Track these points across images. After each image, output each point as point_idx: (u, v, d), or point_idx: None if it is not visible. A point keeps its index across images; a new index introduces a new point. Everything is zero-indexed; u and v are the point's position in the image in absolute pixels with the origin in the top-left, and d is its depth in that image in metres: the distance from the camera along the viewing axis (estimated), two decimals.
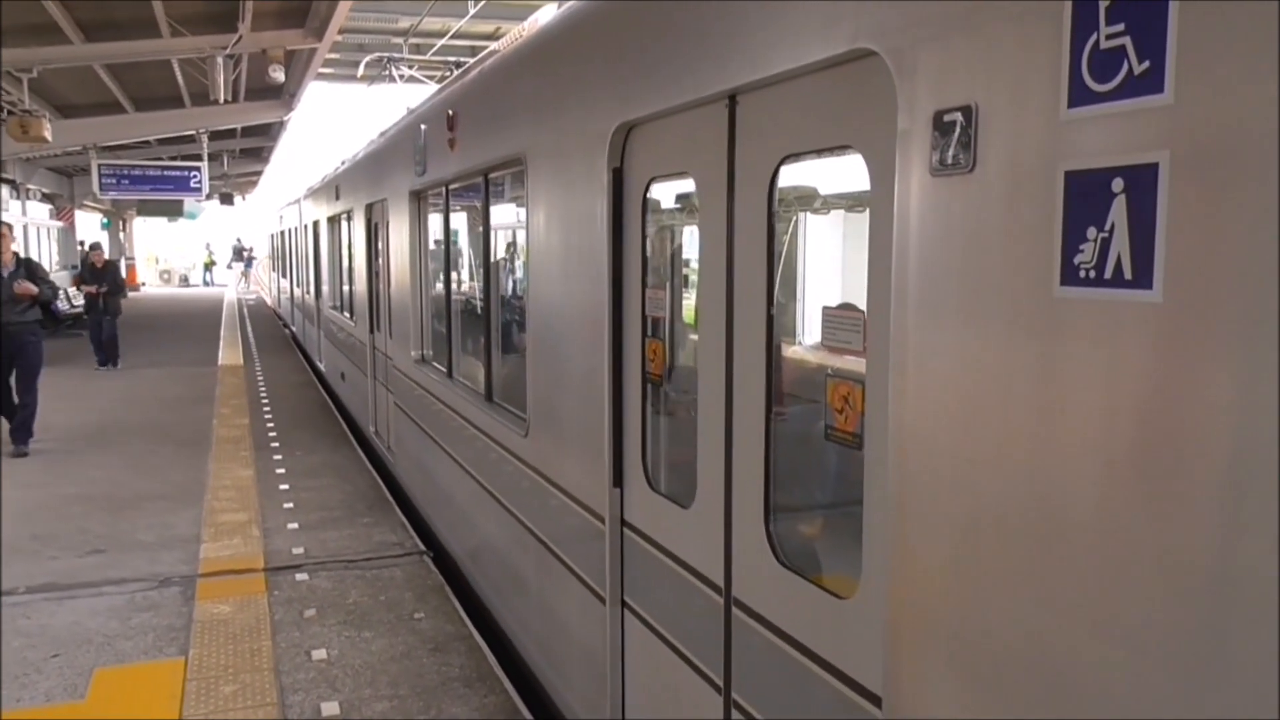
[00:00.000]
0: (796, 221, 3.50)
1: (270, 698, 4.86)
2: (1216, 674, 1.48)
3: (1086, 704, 1.69)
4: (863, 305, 2.50)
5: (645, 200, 3.59)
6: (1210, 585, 1.48)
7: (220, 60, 13.00)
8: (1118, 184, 1.59)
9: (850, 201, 3.95)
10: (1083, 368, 1.67)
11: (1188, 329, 1.49)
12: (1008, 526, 1.84)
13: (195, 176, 21.30)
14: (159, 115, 17.96)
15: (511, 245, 6.57)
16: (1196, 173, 1.47)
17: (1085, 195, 1.64)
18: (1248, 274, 1.40)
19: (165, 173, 21.35)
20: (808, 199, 3.39)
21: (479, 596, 6.15)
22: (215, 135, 21.48)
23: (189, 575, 6.62)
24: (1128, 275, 1.57)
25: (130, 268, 39.28)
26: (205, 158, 21.38)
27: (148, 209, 35.05)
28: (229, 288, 44.37)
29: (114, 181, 20.73)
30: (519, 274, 6.10)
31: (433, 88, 11.89)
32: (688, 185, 3.34)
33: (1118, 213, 1.59)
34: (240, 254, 51.02)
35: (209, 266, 49.80)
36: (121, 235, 37.73)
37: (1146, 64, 1.54)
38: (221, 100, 13.97)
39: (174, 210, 34.59)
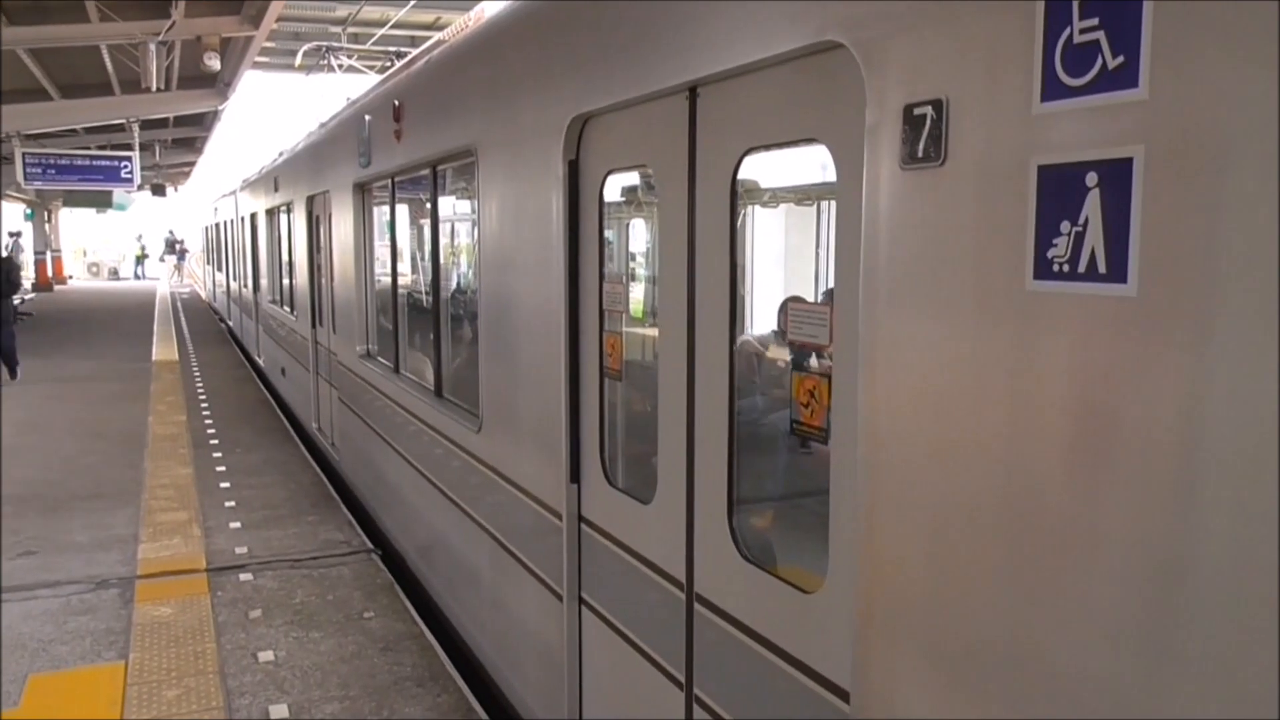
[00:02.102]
0: (745, 215, 3.49)
1: (216, 701, 4.74)
2: (1187, 661, 1.50)
3: (1058, 693, 1.71)
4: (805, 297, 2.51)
5: (602, 193, 3.55)
6: (1183, 575, 1.50)
7: (152, 47, 12.58)
8: (1091, 178, 1.60)
9: (800, 195, 3.96)
10: (1056, 362, 1.68)
11: (1162, 323, 1.50)
12: (980, 519, 1.85)
13: (126, 167, 20.64)
14: (87, 103, 17.33)
15: (460, 238, 6.48)
16: (1171, 167, 1.48)
17: (1058, 189, 1.65)
18: (1222, 268, 1.42)
19: (94, 162, 20.65)
20: (756, 192, 3.39)
21: (430, 595, 6.07)
22: (147, 124, 20.85)
23: (127, 577, 6.43)
24: (1102, 269, 1.58)
25: (57, 260, 38.08)
26: (136, 147, 20.75)
27: (75, 200, 33.86)
28: (161, 281, 43.24)
29: (39, 171, 19.99)
30: (470, 268, 6.02)
31: (373, 78, 11.68)
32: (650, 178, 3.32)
33: (1091, 207, 1.60)
34: (173, 246, 49.61)
35: (140, 259, 48.42)
36: (47, 227, 36.54)
37: (1121, 58, 1.54)
38: (153, 88, 13.55)
39: (103, 201, 33.47)
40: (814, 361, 2.61)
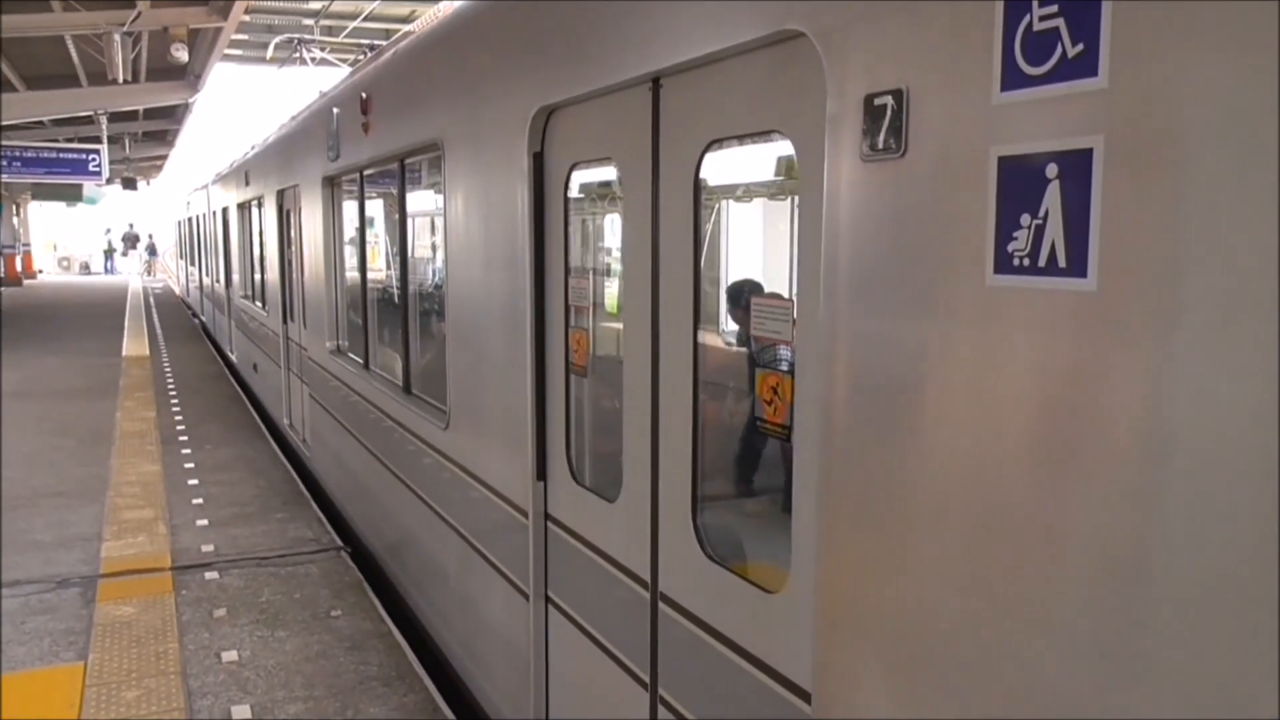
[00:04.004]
0: (719, 209, 3.44)
1: (177, 702, 4.66)
2: (1149, 663, 1.47)
3: (1018, 694, 1.68)
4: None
5: (567, 187, 3.50)
6: (1145, 574, 1.47)
7: (118, 37, 12.39)
8: (1051, 170, 1.56)
9: (773, 190, 3.92)
10: (1016, 357, 1.64)
11: (1121, 318, 1.47)
12: (940, 517, 1.81)
13: (94, 160, 20.38)
14: (53, 94, 17.07)
15: (429, 232, 6.40)
16: (1131, 158, 1.45)
17: (1018, 181, 1.62)
18: (1182, 262, 1.39)
19: (61, 155, 20.38)
20: (727, 186, 3.35)
21: (399, 593, 6.00)
22: (115, 117, 20.56)
23: (89, 575, 6.31)
24: (1061, 263, 1.55)
25: (26, 254, 37.57)
26: (105, 140, 20.46)
27: (44, 193, 33.42)
28: (132, 275, 42.72)
29: (5, 164, 19.70)
30: (438, 263, 5.95)
31: (346, 71, 11.55)
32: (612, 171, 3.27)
33: (1051, 199, 1.56)
34: (133, 241, 48.84)
35: (108, 254, 47.81)
36: (15, 220, 36.03)
37: (1080, 46, 1.51)
38: (120, 80, 13.34)
39: (72, 194, 33.06)
40: (761, 353, 2.57)
